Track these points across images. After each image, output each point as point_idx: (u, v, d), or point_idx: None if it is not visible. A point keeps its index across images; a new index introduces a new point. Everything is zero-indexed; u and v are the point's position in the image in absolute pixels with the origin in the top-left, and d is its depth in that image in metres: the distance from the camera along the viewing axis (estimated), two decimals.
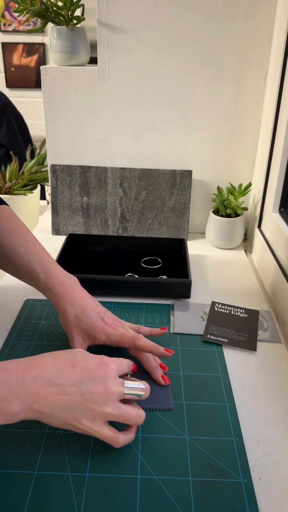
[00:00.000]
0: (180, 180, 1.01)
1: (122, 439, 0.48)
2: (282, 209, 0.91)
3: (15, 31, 2.78)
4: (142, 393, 0.50)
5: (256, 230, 0.98)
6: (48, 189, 1.40)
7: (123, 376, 0.52)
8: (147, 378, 0.59)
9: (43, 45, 2.81)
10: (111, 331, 0.59)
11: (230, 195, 1.00)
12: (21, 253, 0.65)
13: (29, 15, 0.89)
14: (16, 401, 0.44)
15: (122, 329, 0.60)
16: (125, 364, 0.52)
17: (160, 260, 0.92)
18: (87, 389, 0.46)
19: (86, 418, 0.46)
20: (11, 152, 1.28)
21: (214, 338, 0.69)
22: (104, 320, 0.61)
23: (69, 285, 0.63)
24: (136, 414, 0.49)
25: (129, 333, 0.59)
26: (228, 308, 0.77)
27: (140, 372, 0.60)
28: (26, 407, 0.44)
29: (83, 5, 0.90)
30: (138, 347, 0.59)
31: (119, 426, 0.49)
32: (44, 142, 1.12)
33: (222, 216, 0.99)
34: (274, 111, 0.87)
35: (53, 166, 1.02)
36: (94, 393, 0.46)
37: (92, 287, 0.79)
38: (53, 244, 0.99)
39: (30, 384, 0.45)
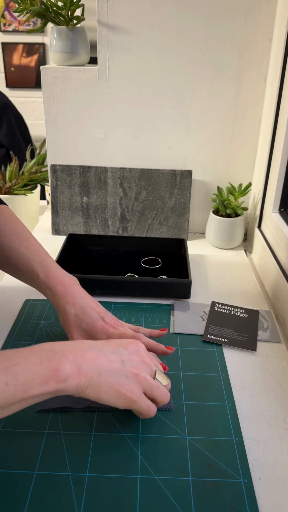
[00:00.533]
0: (180, 180, 1.01)
1: (154, 411, 0.50)
2: (282, 209, 0.91)
3: (15, 31, 2.78)
4: (166, 382, 0.53)
5: (256, 230, 0.98)
6: (48, 189, 1.40)
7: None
8: None
9: (43, 45, 2.81)
10: (111, 330, 0.60)
11: (230, 195, 1.00)
12: (21, 253, 0.65)
13: (29, 15, 0.89)
14: (65, 360, 0.44)
15: (123, 329, 0.61)
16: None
17: (160, 260, 0.92)
18: (125, 356, 0.49)
19: (131, 383, 0.48)
20: (11, 152, 1.28)
21: (214, 338, 0.69)
22: (104, 319, 0.61)
23: (69, 285, 0.63)
24: (166, 392, 0.51)
25: (129, 332, 0.60)
26: (228, 308, 0.77)
27: None
28: (76, 368, 0.44)
29: (83, 5, 0.90)
30: None
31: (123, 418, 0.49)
32: (44, 142, 1.12)
33: (222, 216, 0.99)
34: (274, 111, 0.87)
35: (53, 166, 1.02)
36: (132, 360, 0.49)
37: (92, 287, 0.79)
38: (53, 244, 0.99)
39: (74, 347, 0.46)
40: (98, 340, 0.52)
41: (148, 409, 0.49)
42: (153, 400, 0.50)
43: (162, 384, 0.52)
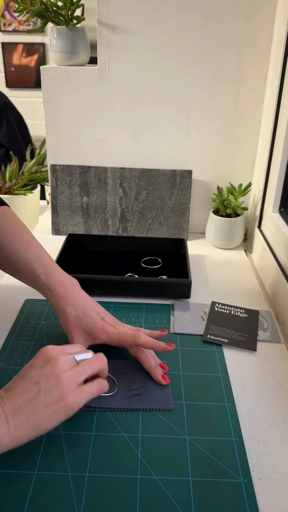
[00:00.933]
0: (180, 180, 1.01)
1: (104, 381, 0.51)
2: (282, 209, 0.91)
3: (15, 31, 2.78)
4: (90, 353, 0.52)
5: (256, 230, 0.98)
6: (48, 189, 1.40)
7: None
8: (148, 377, 0.59)
9: (43, 45, 2.81)
10: (111, 329, 0.60)
11: (230, 195, 1.00)
12: (22, 255, 0.65)
13: (29, 15, 0.89)
14: None
15: (122, 328, 0.61)
16: (74, 347, 0.53)
17: (160, 260, 0.92)
18: (37, 376, 0.47)
19: (58, 394, 0.46)
20: (11, 152, 1.28)
21: (214, 338, 0.69)
22: (105, 319, 0.61)
23: (69, 286, 0.63)
24: (96, 359, 0.51)
25: (129, 332, 0.60)
26: (228, 308, 0.77)
27: (141, 372, 0.60)
28: (4, 427, 0.44)
29: (83, 5, 0.90)
30: (139, 344, 0.59)
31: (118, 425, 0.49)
32: (44, 142, 1.12)
33: (222, 216, 0.99)
34: (274, 111, 0.87)
35: (53, 166, 1.02)
36: (44, 373, 0.47)
37: (92, 287, 0.79)
38: (53, 244, 0.99)
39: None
40: (10, 382, 0.49)
41: (97, 390, 0.50)
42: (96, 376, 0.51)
43: (88, 357, 0.51)
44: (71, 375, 0.48)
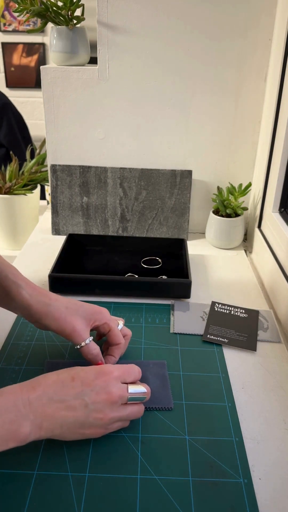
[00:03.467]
0: (180, 180, 1.01)
1: (128, 422, 0.51)
2: (282, 209, 0.91)
3: (15, 31, 2.78)
4: (145, 397, 0.51)
5: (256, 230, 0.98)
6: (48, 189, 1.40)
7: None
8: (148, 377, 0.59)
9: (43, 45, 2.81)
10: (105, 312, 0.61)
11: (230, 195, 1.00)
12: None
13: (29, 15, 0.89)
14: (26, 422, 0.44)
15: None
16: (133, 371, 0.52)
17: (160, 260, 0.92)
18: (89, 399, 0.47)
19: (95, 427, 0.48)
20: (11, 152, 1.28)
21: (214, 338, 0.69)
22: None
23: (45, 291, 0.59)
24: (138, 411, 0.51)
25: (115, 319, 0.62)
26: (228, 308, 0.77)
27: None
28: (36, 427, 0.44)
29: (83, 5, 0.90)
30: (110, 332, 0.61)
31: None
32: (44, 142, 1.12)
33: (222, 216, 0.99)
34: (274, 111, 0.87)
35: (53, 166, 1.02)
36: (97, 403, 0.47)
37: (92, 287, 0.79)
38: (53, 244, 0.99)
39: (36, 403, 0.45)
40: (63, 377, 0.48)
41: (120, 427, 0.50)
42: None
43: (141, 401, 0.51)
44: (114, 414, 0.48)
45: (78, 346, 0.57)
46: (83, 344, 0.57)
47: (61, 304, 0.58)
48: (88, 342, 0.57)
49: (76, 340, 0.57)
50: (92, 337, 0.58)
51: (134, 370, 0.52)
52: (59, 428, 0.46)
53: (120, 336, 0.61)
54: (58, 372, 0.49)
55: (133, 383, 0.51)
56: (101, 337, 0.64)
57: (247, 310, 0.77)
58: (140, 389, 0.51)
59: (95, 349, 0.58)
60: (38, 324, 0.59)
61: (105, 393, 0.48)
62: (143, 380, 0.59)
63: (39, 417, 0.45)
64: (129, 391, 0.50)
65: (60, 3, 0.89)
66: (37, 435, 0.45)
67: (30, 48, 2.82)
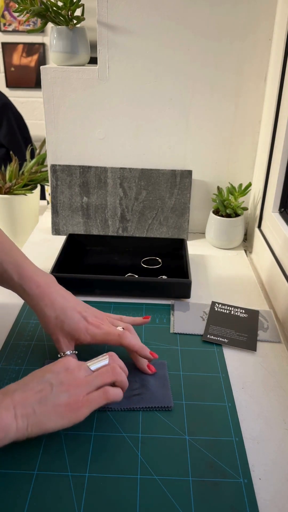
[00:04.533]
0: (180, 180, 1.01)
1: (111, 390, 0.51)
2: (282, 209, 0.91)
3: (15, 31, 2.78)
4: (106, 358, 0.53)
5: (256, 230, 0.98)
6: (48, 189, 1.40)
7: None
8: (148, 377, 0.59)
9: (43, 45, 2.81)
10: (95, 331, 0.59)
11: (230, 195, 1.00)
12: (3, 262, 0.61)
13: (29, 15, 0.89)
14: (1, 411, 0.45)
15: (106, 327, 0.60)
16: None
17: (160, 260, 0.92)
18: (53, 379, 0.49)
19: (66, 400, 0.48)
20: (11, 152, 1.28)
21: (214, 338, 0.69)
22: (87, 319, 0.59)
23: (45, 285, 0.61)
24: (110, 370, 0.52)
25: (114, 331, 0.59)
26: (228, 308, 0.77)
27: (141, 372, 0.60)
28: (11, 417, 0.45)
29: (83, 5, 0.90)
30: (124, 345, 0.58)
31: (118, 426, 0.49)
32: (44, 142, 1.12)
33: (222, 216, 0.99)
34: (274, 111, 0.87)
35: (53, 166, 1.02)
36: (61, 378, 0.49)
37: (92, 287, 0.79)
38: (53, 244, 0.99)
39: (5, 397, 0.46)
40: (26, 378, 0.51)
41: (103, 399, 0.50)
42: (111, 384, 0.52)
43: (103, 361, 0.53)
44: (81, 384, 0.49)
45: (58, 355, 0.60)
46: (62, 354, 0.59)
47: (54, 314, 0.59)
48: (67, 354, 0.59)
49: (58, 350, 0.60)
50: (72, 351, 0.60)
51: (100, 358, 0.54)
52: (32, 412, 0.46)
53: (132, 345, 0.59)
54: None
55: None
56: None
57: (247, 310, 0.77)
58: (98, 358, 0.53)
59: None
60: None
61: (64, 370, 0.50)
62: (143, 380, 0.59)
63: (12, 405, 0.46)
64: (88, 364, 0.52)
65: (60, 3, 0.89)
66: (16, 426, 0.45)
67: (30, 48, 2.82)
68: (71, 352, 0.59)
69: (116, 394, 0.51)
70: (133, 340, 0.59)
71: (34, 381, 0.49)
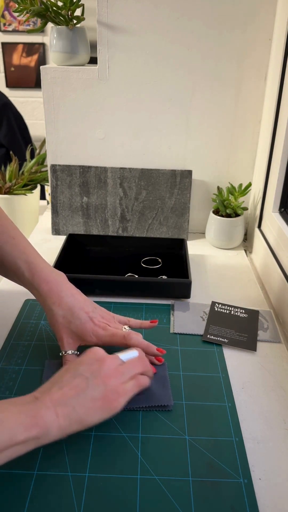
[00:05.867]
0: (180, 180, 1.01)
1: (145, 378, 0.53)
2: (282, 209, 0.91)
3: (15, 31, 2.78)
4: (136, 352, 0.54)
5: (256, 230, 0.98)
6: (48, 189, 1.40)
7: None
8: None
9: (43, 45, 2.81)
10: (101, 332, 0.59)
11: (230, 195, 1.00)
12: (6, 251, 0.63)
13: (29, 15, 0.89)
14: (43, 408, 0.45)
15: (113, 328, 0.60)
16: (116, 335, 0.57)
17: (160, 260, 0.92)
18: (87, 372, 0.49)
19: (104, 392, 0.48)
20: (11, 152, 1.28)
21: (214, 338, 0.69)
22: (93, 321, 0.60)
23: (55, 283, 0.61)
24: (139, 359, 0.54)
25: (120, 332, 0.59)
26: (228, 308, 0.77)
27: None
28: (53, 415, 0.45)
29: (83, 5, 0.90)
30: (130, 345, 0.59)
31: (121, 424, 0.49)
32: (44, 142, 1.12)
33: (222, 216, 0.99)
34: (274, 111, 0.87)
35: (53, 166, 1.02)
36: (95, 371, 0.49)
37: (92, 287, 0.79)
38: (53, 244, 0.99)
39: (42, 397, 0.46)
40: (56, 375, 0.51)
41: (136, 387, 0.51)
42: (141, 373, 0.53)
43: (134, 356, 0.54)
44: (115, 375, 0.50)
45: (60, 354, 0.61)
46: (63, 352, 0.60)
47: (62, 312, 0.60)
48: (68, 353, 0.60)
49: (61, 347, 0.61)
50: (74, 351, 0.60)
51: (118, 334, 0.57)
52: (72, 409, 0.46)
53: (138, 345, 0.59)
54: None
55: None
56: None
57: (247, 310, 0.77)
58: (130, 352, 0.54)
59: (69, 360, 0.60)
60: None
61: (97, 361, 0.50)
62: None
63: (51, 404, 0.45)
64: (119, 356, 0.53)
65: (60, 3, 0.89)
66: (56, 425, 0.45)
67: (30, 48, 2.82)
68: (73, 352, 0.60)
69: (146, 381, 0.53)
70: (138, 339, 0.59)
71: (68, 375, 0.49)
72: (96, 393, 0.48)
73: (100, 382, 0.48)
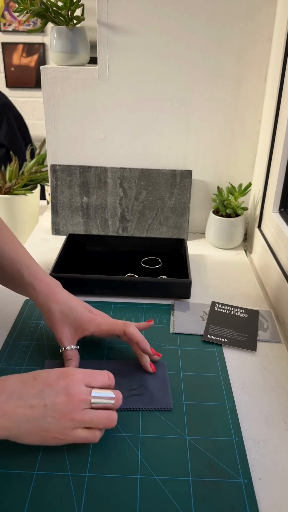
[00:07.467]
0: (180, 180, 1.01)
1: (98, 434, 0.48)
2: (282, 209, 0.91)
3: (15, 31, 2.78)
4: (112, 401, 0.49)
5: (256, 230, 0.98)
6: (48, 189, 1.40)
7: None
8: (148, 377, 0.59)
9: (43, 45, 2.81)
10: (100, 320, 0.61)
11: (230, 195, 1.00)
12: (6, 254, 0.65)
13: (29, 15, 0.89)
14: None
15: (112, 319, 0.62)
16: (100, 376, 0.50)
17: (160, 260, 0.92)
18: (49, 400, 0.46)
19: (53, 428, 0.46)
20: (11, 152, 1.28)
21: (214, 338, 0.69)
22: (92, 311, 0.62)
23: (54, 286, 0.64)
24: (107, 417, 0.48)
25: (119, 321, 0.61)
26: (228, 308, 0.77)
27: (141, 372, 0.60)
28: None
29: (83, 5, 0.90)
30: (128, 334, 0.60)
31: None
32: (44, 142, 1.12)
33: (222, 216, 0.99)
34: (274, 111, 0.87)
35: (53, 166, 1.02)
36: (57, 404, 0.46)
37: (92, 287, 0.79)
38: (53, 244, 0.99)
39: None
40: (25, 377, 0.48)
41: (86, 438, 0.47)
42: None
43: (109, 404, 0.48)
44: (74, 417, 0.46)
45: (60, 350, 0.61)
46: (62, 349, 0.61)
47: (59, 308, 0.61)
48: (68, 349, 0.60)
49: (60, 345, 0.61)
50: (73, 345, 0.61)
51: (101, 375, 0.50)
52: (16, 428, 0.45)
53: (134, 335, 0.60)
54: (21, 374, 0.50)
55: (103, 388, 0.50)
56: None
57: (247, 310, 0.77)
58: (106, 393, 0.49)
59: (69, 355, 0.60)
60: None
61: (65, 394, 0.47)
62: (143, 380, 0.59)
63: None
64: (92, 394, 0.48)
65: (60, 3, 0.89)
66: None
67: (30, 48, 2.82)
68: (73, 347, 0.60)
69: (98, 438, 0.48)
70: (136, 330, 0.60)
71: (31, 391, 0.47)
72: (46, 426, 0.46)
73: (56, 418, 0.46)
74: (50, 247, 0.98)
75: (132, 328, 0.60)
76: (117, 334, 0.61)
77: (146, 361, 0.61)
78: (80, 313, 0.61)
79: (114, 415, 0.49)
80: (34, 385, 0.47)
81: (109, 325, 0.61)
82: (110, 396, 0.49)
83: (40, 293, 0.62)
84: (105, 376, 0.51)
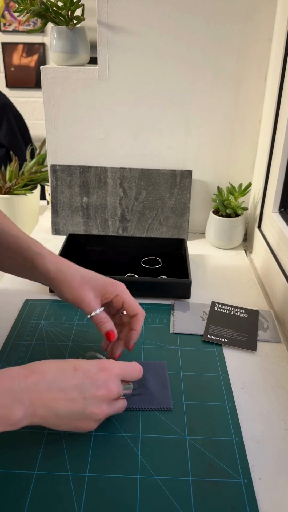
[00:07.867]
0: (180, 180, 1.01)
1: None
2: (282, 209, 0.91)
3: (15, 31, 2.78)
4: (129, 392, 0.52)
5: (256, 230, 0.98)
6: (48, 189, 1.40)
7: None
8: (147, 378, 0.59)
9: (43, 45, 2.80)
10: (120, 284, 0.60)
11: (230, 195, 1.00)
12: (11, 232, 0.62)
13: (29, 15, 0.89)
14: (19, 407, 0.43)
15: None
16: (134, 370, 0.52)
17: (160, 260, 0.92)
18: (89, 393, 0.47)
19: (90, 421, 0.47)
20: (11, 152, 1.28)
21: (214, 338, 0.69)
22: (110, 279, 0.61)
23: (62, 258, 0.63)
24: (123, 407, 0.52)
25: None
26: (228, 308, 0.77)
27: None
28: (29, 413, 0.44)
29: (83, 5, 0.90)
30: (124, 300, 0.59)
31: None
32: (44, 142, 1.12)
33: (222, 216, 0.99)
34: (274, 111, 0.87)
35: (53, 166, 1.02)
36: (96, 397, 0.47)
37: None
38: (53, 244, 0.99)
39: (34, 389, 0.45)
40: (65, 366, 0.48)
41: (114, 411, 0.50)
42: None
43: (126, 393, 0.52)
44: (107, 410, 0.48)
45: (88, 316, 0.58)
46: (93, 314, 0.58)
47: (77, 272, 0.60)
48: (98, 312, 0.58)
49: (86, 310, 0.58)
50: (103, 308, 0.59)
51: (135, 369, 0.52)
52: (53, 417, 0.46)
53: (135, 306, 0.59)
54: (60, 360, 0.49)
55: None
56: (118, 312, 0.62)
57: (247, 310, 0.77)
58: (128, 387, 0.52)
59: (105, 317, 0.58)
60: (57, 293, 0.61)
61: (105, 388, 0.48)
62: (143, 380, 0.59)
63: (35, 403, 0.44)
64: (123, 390, 0.51)
65: (60, 3, 0.89)
66: (29, 421, 0.44)
67: (30, 48, 2.82)
68: (100, 310, 0.58)
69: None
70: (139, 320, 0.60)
71: (72, 382, 0.47)
72: (82, 417, 0.47)
73: (96, 414, 0.47)
74: (50, 247, 0.97)
75: (141, 316, 0.60)
76: (128, 302, 0.59)
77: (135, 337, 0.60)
78: (101, 278, 0.60)
79: (125, 403, 0.52)
80: (74, 376, 0.47)
81: (125, 289, 0.60)
82: (129, 389, 0.52)
83: (51, 262, 0.60)
84: (138, 371, 0.52)
